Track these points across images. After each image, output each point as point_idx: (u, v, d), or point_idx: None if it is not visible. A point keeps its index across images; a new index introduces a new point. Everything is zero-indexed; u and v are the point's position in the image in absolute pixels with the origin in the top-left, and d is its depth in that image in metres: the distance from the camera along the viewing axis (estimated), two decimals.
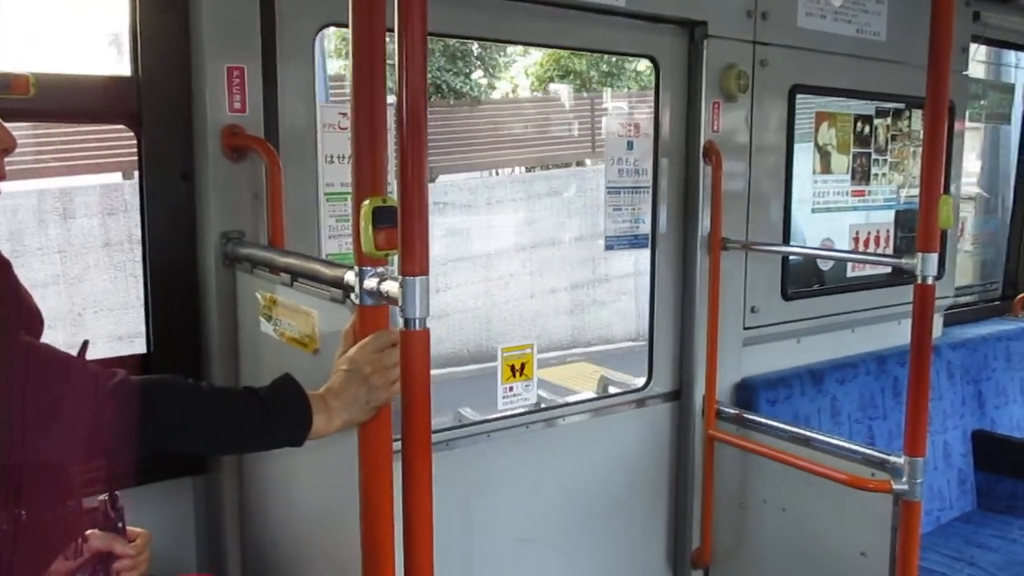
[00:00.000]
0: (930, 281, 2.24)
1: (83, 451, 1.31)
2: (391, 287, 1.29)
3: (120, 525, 1.49)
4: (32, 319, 1.43)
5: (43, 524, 1.37)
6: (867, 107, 3.63)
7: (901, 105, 3.73)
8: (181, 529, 2.24)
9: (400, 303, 1.25)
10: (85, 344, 1.42)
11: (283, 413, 1.41)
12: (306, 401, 1.42)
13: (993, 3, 3.89)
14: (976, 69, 4.16)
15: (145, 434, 1.36)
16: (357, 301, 1.37)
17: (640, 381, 3.14)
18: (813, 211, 3.57)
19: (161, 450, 1.41)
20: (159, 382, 1.45)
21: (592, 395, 3.51)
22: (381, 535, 1.39)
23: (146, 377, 1.43)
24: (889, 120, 3.71)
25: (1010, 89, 4.43)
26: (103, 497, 1.47)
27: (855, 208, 3.70)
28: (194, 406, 1.40)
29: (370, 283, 1.33)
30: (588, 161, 11.06)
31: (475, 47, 11.18)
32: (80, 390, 1.29)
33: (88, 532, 1.46)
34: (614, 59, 11.82)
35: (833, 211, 3.64)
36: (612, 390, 3.52)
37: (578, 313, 9.70)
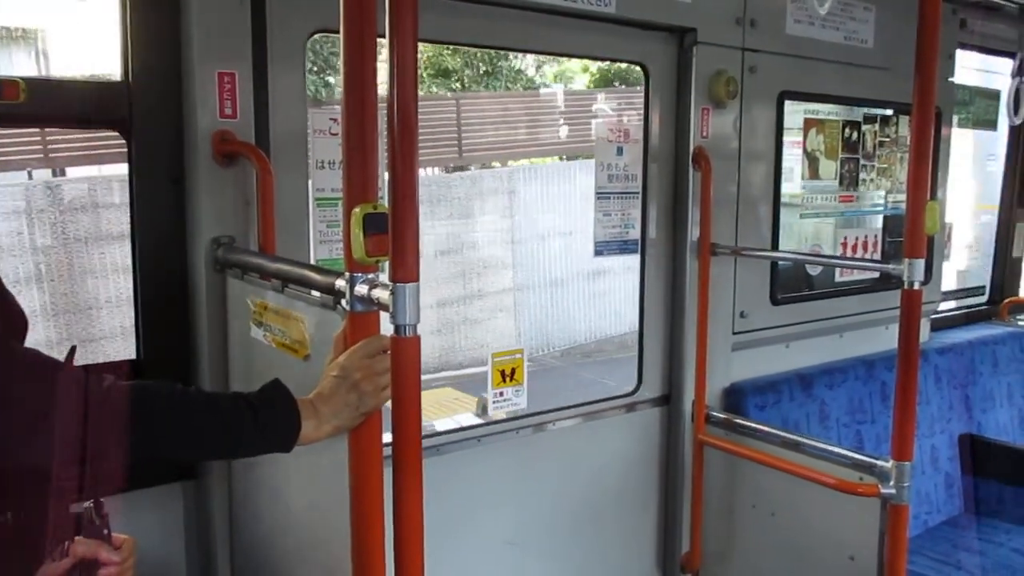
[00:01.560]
0: (917, 286, 2.26)
1: (70, 457, 1.30)
2: (382, 293, 1.29)
3: (105, 532, 1.48)
4: (17, 322, 1.42)
5: (29, 529, 1.36)
6: (855, 113, 3.66)
7: (888, 111, 3.75)
8: (170, 535, 2.23)
9: (391, 309, 1.26)
10: (73, 349, 1.42)
11: (272, 418, 1.41)
12: (295, 407, 1.42)
13: (979, 10, 3.92)
14: (963, 75, 4.18)
15: (133, 440, 1.36)
16: (348, 307, 1.37)
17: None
18: (801, 216, 3.59)
19: (149, 456, 1.41)
20: (147, 387, 1.45)
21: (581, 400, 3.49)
22: (371, 541, 1.39)
23: (135, 382, 1.43)
24: (877, 126, 3.74)
25: (996, 95, 4.46)
26: (88, 504, 1.47)
27: (843, 213, 3.73)
28: (183, 411, 1.40)
29: (361, 289, 1.33)
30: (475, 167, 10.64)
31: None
32: (68, 396, 1.28)
33: (73, 540, 1.45)
34: (490, 56, 11.40)
35: (821, 216, 3.66)
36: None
37: (446, 333, 9.18)
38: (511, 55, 11.43)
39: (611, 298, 10.31)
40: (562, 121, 10.71)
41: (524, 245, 9.96)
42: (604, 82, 12.08)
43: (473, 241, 9.60)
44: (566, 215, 9.97)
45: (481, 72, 12.05)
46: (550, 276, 10.02)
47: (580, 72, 12.71)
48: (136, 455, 1.37)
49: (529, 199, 9.91)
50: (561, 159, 10.97)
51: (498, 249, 9.82)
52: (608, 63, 10.52)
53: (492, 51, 10.68)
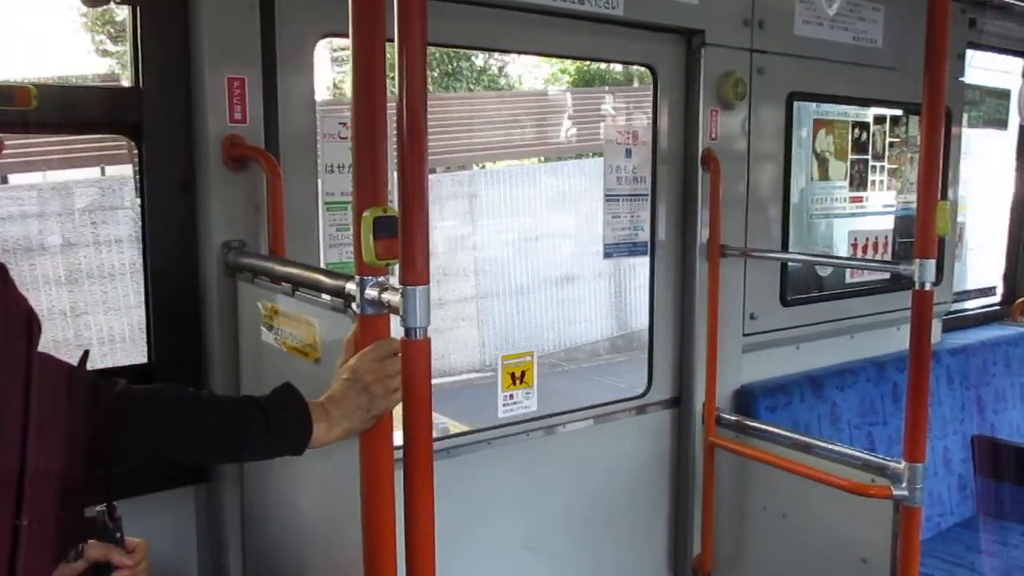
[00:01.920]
0: (928, 287, 2.25)
1: (83, 460, 1.31)
2: (392, 296, 1.29)
3: (118, 535, 1.49)
4: (31, 325, 1.43)
5: (43, 533, 1.37)
6: (864, 114, 3.65)
7: (898, 111, 3.74)
8: (182, 539, 2.24)
9: (401, 312, 1.26)
10: (86, 354, 1.43)
11: (283, 421, 1.42)
12: (306, 409, 1.42)
13: (989, 9, 3.90)
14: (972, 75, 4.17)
15: (145, 443, 1.36)
16: (358, 310, 1.38)
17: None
18: (811, 217, 3.58)
19: (162, 458, 1.41)
20: (159, 391, 1.46)
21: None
22: (382, 544, 1.39)
23: (146, 386, 1.43)
24: (886, 126, 3.72)
25: (1006, 95, 4.44)
26: (101, 507, 1.47)
27: (853, 214, 3.71)
28: (194, 415, 1.40)
29: (371, 293, 1.34)
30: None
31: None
32: (81, 400, 1.29)
33: (86, 543, 1.46)
34: (450, 56, 11.12)
35: (832, 217, 3.65)
36: None
37: None
38: (475, 55, 11.25)
39: (581, 305, 10.02)
40: (528, 123, 10.47)
41: (487, 251, 9.69)
42: (584, 83, 11.87)
43: (432, 247, 9.33)
44: (531, 219, 9.70)
45: (443, 73, 11.75)
46: (515, 283, 9.75)
47: (559, 72, 12.45)
48: (148, 458, 1.38)
49: (491, 203, 9.64)
50: (540, 160, 10.74)
51: (459, 256, 9.59)
52: (588, 63, 10.30)
53: (452, 51, 10.44)
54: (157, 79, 2.10)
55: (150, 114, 2.10)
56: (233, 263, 2.11)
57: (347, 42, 1.27)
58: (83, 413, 1.29)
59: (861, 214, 3.74)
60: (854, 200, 3.68)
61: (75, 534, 1.43)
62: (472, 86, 12.07)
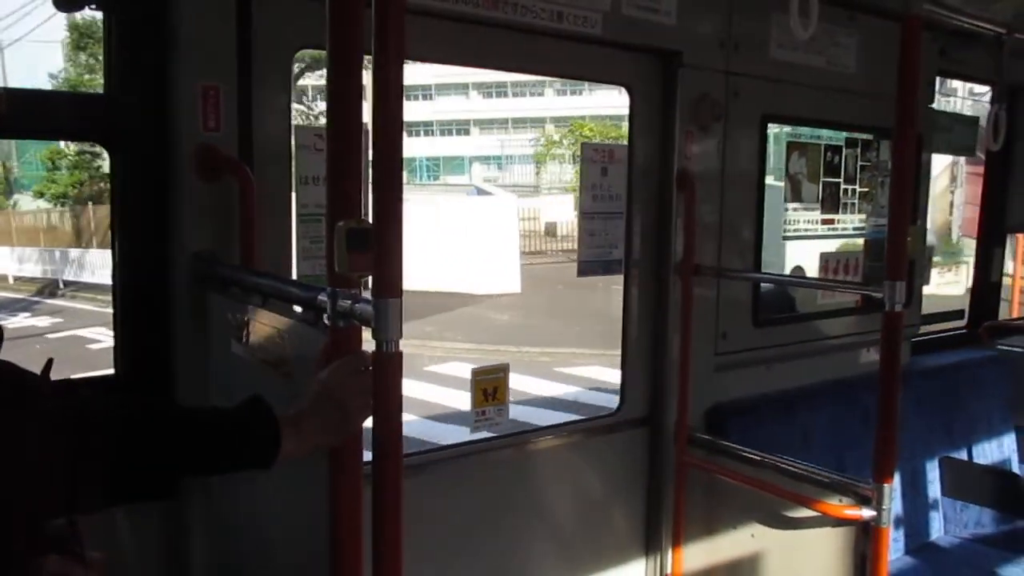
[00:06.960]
0: (899, 308, 2.27)
1: (45, 475, 1.28)
2: (364, 309, 1.28)
3: (79, 550, 1.45)
4: None
5: (1, 548, 1.33)
6: (837, 137, 3.69)
7: (870, 136, 3.79)
8: (146, 553, 2.19)
9: (373, 325, 1.25)
10: (49, 363, 1.40)
11: (252, 434, 1.39)
12: (276, 423, 1.40)
13: (958, 38, 3.98)
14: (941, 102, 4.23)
15: (110, 456, 1.33)
16: (329, 323, 1.36)
17: None
18: (784, 239, 3.60)
19: (125, 472, 1.38)
20: (125, 403, 1.43)
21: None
22: (350, 560, 1.37)
23: (111, 397, 1.40)
24: (858, 150, 3.77)
25: (975, 122, 4.52)
26: (62, 521, 1.44)
27: (824, 236, 3.75)
28: (160, 428, 1.38)
29: (343, 304, 1.32)
30: None
31: None
32: (44, 412, 1.26)
33: (46, 558, 1.42)
34: None
35: (803, 239, 3.68)
36: None
37: None
38: None
39: None
40: None
41: None
42: None
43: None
44: None
45: None
46: None
47: None
48: (112, 472, 1.34)
49: None
50: None
51: None
52: None
53: None
54: (130, 86, 2.08)
55: (123, 121, 2.07)
56: (204, 273, 2.08)
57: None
58: (46, 426, 1.25)
59: (833, 236, 3.77)
60: (826, 222, 3.72)
61: (35, 549, 1.39)
62: None
